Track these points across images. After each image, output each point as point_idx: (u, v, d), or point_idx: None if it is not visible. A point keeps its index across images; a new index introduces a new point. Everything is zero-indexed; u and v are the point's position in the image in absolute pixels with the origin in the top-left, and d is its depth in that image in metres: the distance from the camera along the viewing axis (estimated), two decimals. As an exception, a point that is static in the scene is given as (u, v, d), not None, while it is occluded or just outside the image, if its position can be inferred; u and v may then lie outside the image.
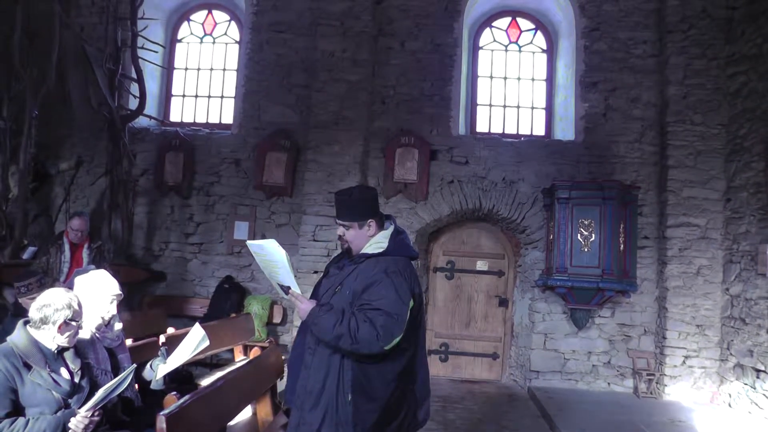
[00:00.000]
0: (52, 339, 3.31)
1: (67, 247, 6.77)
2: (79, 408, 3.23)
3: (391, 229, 3.30)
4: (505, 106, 9.38)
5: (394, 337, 2.95)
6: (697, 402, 7.69)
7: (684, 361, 7.86)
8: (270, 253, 3.06)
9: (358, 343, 2.91)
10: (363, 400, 3.00)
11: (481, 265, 9.11)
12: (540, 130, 9.29)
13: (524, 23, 9.54)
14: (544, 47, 9.48)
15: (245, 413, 5.39)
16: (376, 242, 3.23)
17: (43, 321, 3.27)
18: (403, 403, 3.15)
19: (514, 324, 8.93)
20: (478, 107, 9.38)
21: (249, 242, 3.19)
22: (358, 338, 2.90)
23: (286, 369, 3.55)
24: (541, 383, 8.20)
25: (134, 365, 3.58)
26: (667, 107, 8.23)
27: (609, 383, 8.21)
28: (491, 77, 9.45)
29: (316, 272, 8.00)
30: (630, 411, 7.21)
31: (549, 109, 9.32)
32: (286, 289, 3.13)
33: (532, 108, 9.37)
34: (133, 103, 8.95)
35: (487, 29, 9.55)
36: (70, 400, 3.27)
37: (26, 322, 3.35)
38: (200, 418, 3.56)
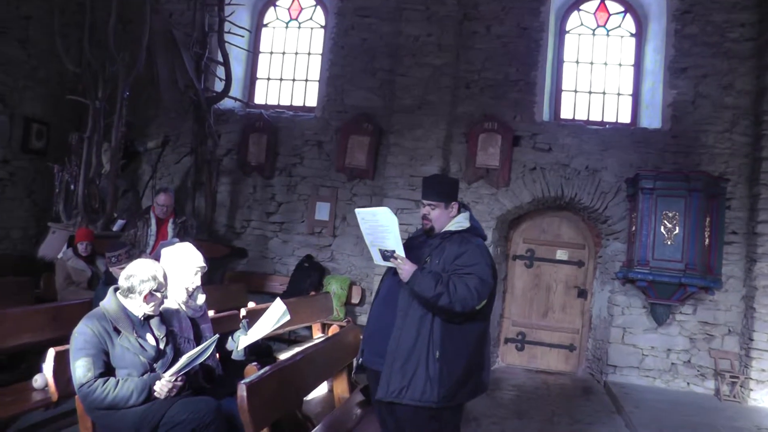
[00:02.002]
0: (138, 307, 3.47)
1: (153, 221, 7.03)
2: (164, 372, 3.37)
3: (468, 213, 3.72)
4: (590, 93, 9.12)
5: (482, 298, 3.35)
6: (788, 411, 7.19)
7: (773, 366, 7.43)
8: (380, 220, 3.43)
9: (454, 301, 3.29)
10: (449, 358, 3.37)
11: (560, 254, 8.92)
12: (625, 118, 8.97)
13: (613, 6, 9.19)
14: (633, 31, 9.12)
15: (321, 389, 5.52)
16: (458, 222, 3.64)
17: (130, 290, 3.44)
18: (477, 364, 3.53)
19: (593, 316, 8.71)
20: (563, 93, 9.15)
21: (358, 210, 3.55)
22: (456, 297, 3.29)
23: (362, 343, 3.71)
24: (617, 378, 7.97)
25: (217, 335, 3.71)
26: (763, 95, 7.71)
27: (688, 383, 7.86)
28: (577, 62, 9.18)
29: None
30: (710, 414, 6.86)
31: (635, 96, 8.97)
32: (390, 254, 3.46)
33: (618, 94, 9.06)
34: (218, 86, 9.20)
35: (575, 12, 9.26)
36: (155, 365, 3.42)
37: (116, 289, 3.52)
38: (278, 389, 3.66)
